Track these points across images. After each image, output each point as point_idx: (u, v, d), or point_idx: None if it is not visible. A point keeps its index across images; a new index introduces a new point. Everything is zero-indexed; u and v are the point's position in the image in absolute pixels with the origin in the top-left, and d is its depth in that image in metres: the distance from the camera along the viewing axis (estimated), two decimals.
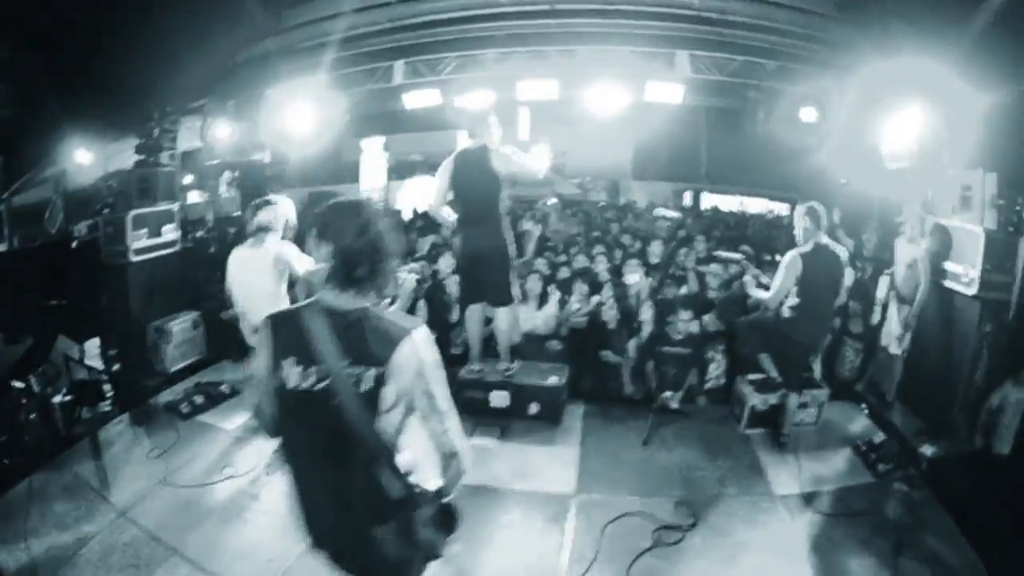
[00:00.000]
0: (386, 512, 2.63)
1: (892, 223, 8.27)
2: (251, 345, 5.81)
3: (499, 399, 7.20)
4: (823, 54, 8.35)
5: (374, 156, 22.33)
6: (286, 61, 8.98)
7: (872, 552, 5.02)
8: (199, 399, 7.44)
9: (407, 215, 17.38)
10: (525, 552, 5.12)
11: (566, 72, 9.30)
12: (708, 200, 21.79)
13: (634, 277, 8.57)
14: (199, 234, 12.03)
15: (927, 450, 6.32)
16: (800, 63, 8.59)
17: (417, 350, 2.61)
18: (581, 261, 9.88)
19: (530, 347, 8.05)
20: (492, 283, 6.78)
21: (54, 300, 8.21)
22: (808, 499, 5.78)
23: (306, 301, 2.68)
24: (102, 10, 7.25)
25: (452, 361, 7.99)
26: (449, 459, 2.77)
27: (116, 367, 8.04)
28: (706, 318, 7.79)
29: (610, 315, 7.85)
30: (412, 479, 2.69)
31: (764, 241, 12.97)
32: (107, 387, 7.46)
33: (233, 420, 7.15)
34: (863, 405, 7.66)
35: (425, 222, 13.57)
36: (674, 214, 14.55)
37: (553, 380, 7.22)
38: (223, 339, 8.09)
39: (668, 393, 7.31)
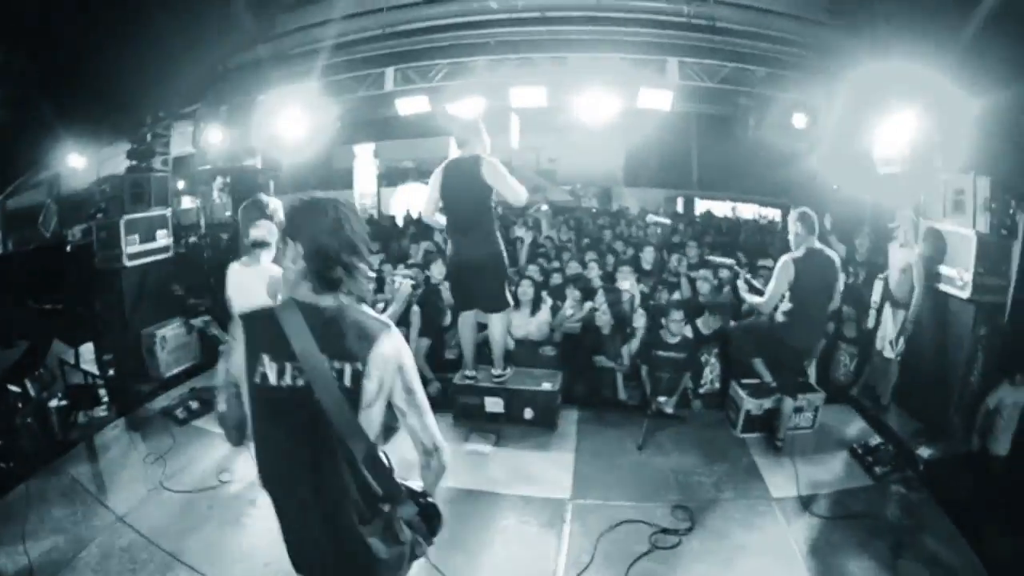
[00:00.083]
0: (370, 512, 2.63)
1: (885, 228, 8.29)
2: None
3: (493, 405, 7.18)
4: (814, 60, 8.39)
5: (366, 162, 22.33)
6: (278, 67, 8.99)
7: (870, 554, 5.02)
8: (194, 404, 7.40)
9: (400, 222, 17.39)
10: (521, 557, 5.10)
11: (557, 79, 9.30)
12: (701, 206, 21.87)
13: (626, 283, 8.58)
14: (192, 239, 12.01)
15: (924, 452, 6.34)
16: (791, 69, 8.62)
17: (396, 345, 2.62)
18: (574, 267, 9.89)
19: (524, 353, 8.04)
20: (484, 290, 6.77)
21: (49, 304, 8.18)
22: (805, 502, 5.77)
23: (280, 300, 2.66)
24: (95, 15, 7.24)
25: (446, 367, 7.99)
26: (430, 454, 2.77)
27: (111, 372, 7.99)
28: (700, 322, 7.79)
29: (604, 320, 7.84)
30: (395, 477, 2.68)
31: (757, 246, 12.99)
32: (102, 392, 7.45)
33: None
34: (858, 408, 7.67)
35: (418, 229, 13.59)
36: (666, 220, 14.55)
37: (547, 386, 7.19)
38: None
39: (662, 398, 7.31)
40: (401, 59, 9.42)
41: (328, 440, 2.50)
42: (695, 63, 8.87)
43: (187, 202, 14.08)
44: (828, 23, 8.03)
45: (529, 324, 8.19)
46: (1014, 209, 6.54)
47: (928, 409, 7.11)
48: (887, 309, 7.64)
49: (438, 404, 7.16)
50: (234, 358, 2.62)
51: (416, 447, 2.77)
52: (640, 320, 7.98)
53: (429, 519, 2.83)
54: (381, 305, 7.38)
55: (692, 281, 9.10)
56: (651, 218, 14.39)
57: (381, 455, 2.61)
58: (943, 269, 7.04)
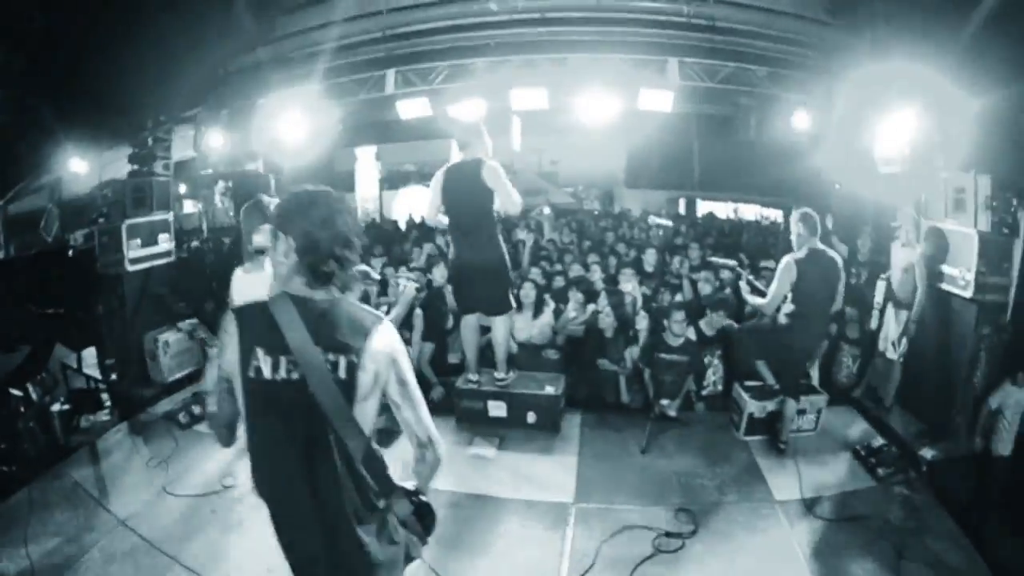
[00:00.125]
0: (366, 509, 2.62)
1: (887, 228, 8.28)
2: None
3: (496, 409, 7.18)
4: (815, 59, 8.38)
5: (368, 165, 22.34)
6: (279, 70, 8.99)
7: (874, 556, 5.00)
8: (197, 409, 7.39)
9: (402, 225, 17.40)
10: (524, 561, 5.09)
11: (557, 80, 9.29)
12: (702, 207, 21.87)
13: (628, 285, 8.57)
14: (194, 244, 12.02)
15: (927, 453, 6.32)
16: (791, 69, 8.61)
17: (390, 337, 2.63)
18: (576, 270, 9.88)
19: (526, 357, 8.02)
20: (487, 293, 6.77)
21: (51, 309, 8.19)
22: (808, 504, 5.75)
23: (273, 294, 2.64)
24: (95, 18, 7.24)
25: (449, 371, 7.99)
26: (425, 447, 2.78)
27: (114, 376, 8.00)
28: (703, 323, 7.77)
29: (607, 323, 7.83)
30: (389, 474, 2.68)
31: (759, 247, 12.98)
32: (105, 396, 7.46)
33: None
34: (861, 410, 7.66)
35: (420, 232, 13.58)
36: (668, 222, 14.54)
37: (550, 389, 7.18)
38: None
39: (666, 401, 7.29)
40: (401, 61, 9.41)
41: (323, 434, 2.50)
42: (695, 63, 8.85)
43: (189, 206, 14.09)
44: (829, 22, 8.01)
45: (532, 327, 8.18)
46: (1015, 207, 6.52)
47: (931, 410, 7.10)
48: (890, 310, 7.63)
49: (441, 408, 7.27)
50: (227, 352, 2.61)
51: (411, 440, 2.78)
52: (643, 322, 7.97)
53: (423, 518, 2.81)
54: (384, 308, 7.38)
55: (694, 283, 9.10)
56: (653, 220, 14.39)
57: (376, 450, 2.62)
58: (945, 268, 7.02)
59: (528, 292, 8.11)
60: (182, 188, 13.19)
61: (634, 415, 7.51)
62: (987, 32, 6.07)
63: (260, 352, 2.51)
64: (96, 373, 7.95)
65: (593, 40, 8.78)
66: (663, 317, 7.65)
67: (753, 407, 6.96)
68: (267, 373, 2.50)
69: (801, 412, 6.91)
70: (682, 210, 22.18)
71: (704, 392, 7.78)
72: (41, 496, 5.78)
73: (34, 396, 6.78)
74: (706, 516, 5.61)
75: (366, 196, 22.51)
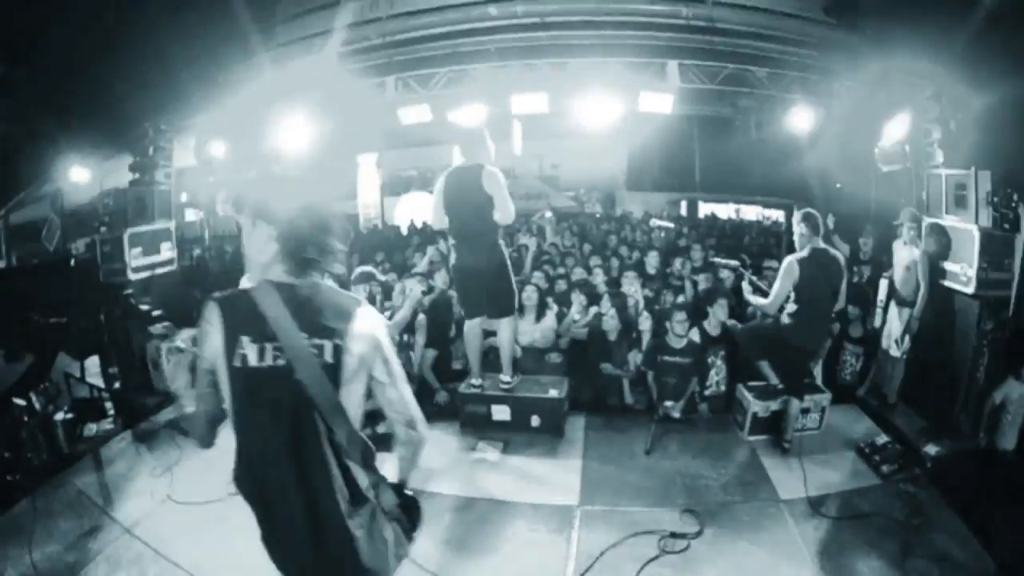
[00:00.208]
0: (354, 499, 2.61)
1: (888, 226, 8.28)
2: None
3: (500, 413, 7.18)
4: (814, 59, 8.39)
5: (369, 172, 22.34)
6: (279, 77, 8.99)
7: (880, 553, 4.99)
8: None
9: (404, 231, 17.41)
10: (530, 563, 5.08)
11: (557, 85, 9.32)
12: (704, 209, 21.88)
13: (631, 288, 8.57)
14: (197, 252, 12.04)
15: (931, 449, 6.30)
16: (791, 69, 8.63)
17: (372, 319, 2.65)
18: (579, 273, 9.88)
19: (529, 360, 8.02)
20: (491, 296, 6.77)
21: (53, 318, 8.19)
22: (813, 503, 5.74)
23: (255, 282, 2.63)
24: (95, 27, 7.26)
25: (453, 377, 7.98)
26: (410, 426, 2.80)
27: (117, 385, 8.00)
28: (706, 324, 7.76)
29: (611, 325, 7.82)
30: (376, 465, 2.69)
31: (761, 248, 12.98)
32: (108, 405, 7.46)
33: None
34: (865, 408, 7.65)
35: (422, 238, 13.59)
36: (669, 224, 14.56)
37: (554, 393, 7.18)
38: None
39: (669, 402, 7.28)
40: (402, 68, 9.45)
41: (311, 420, 2.50)
42: (695, 65, 8.88)
43: (190, 215, 14.11)
44: (828, 21, 8.02)
45: (534, 331, 8.18)
46: (1016, 203, 6.52)
47: (934, 406, 7.10)
48: (892, 308, 7.63)
49: (445, 413, 7.26)
50: (209, 343, 2.59)
51: (395, 420, 2.80)
52: (646, 323, 7.97)
53: (409, 511, 2.85)
54: (389, 312, 7.39)
55: (695, 284, 9.10)
56: (655, 222, 14.41)
57: (363, 436, 2.61)
58: (947, 265, 7.03)
59: (530, 296, 8.10)
60: (183, 196, 13.22)
61: (638, 417, 7.51)
62: (987, 29, 6.08)
63: (245, 340, 2.50)
64: (99, 382, 7.94)
65: (593, 44, 8.81)
66: (666, 318, 7.64)
67: (757, 407, 6.96)
68: (253, 361, 2.50)
69: (805, 411, 6.91)
70: (684, 212, 22.18)
71: (707, 393, 7.76)
72: (45, 504, 5.78)
73: (37, 405, 6.78)
74: (711, 516, 5.60)
75: (368, 202, 22.49)
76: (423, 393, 7.88)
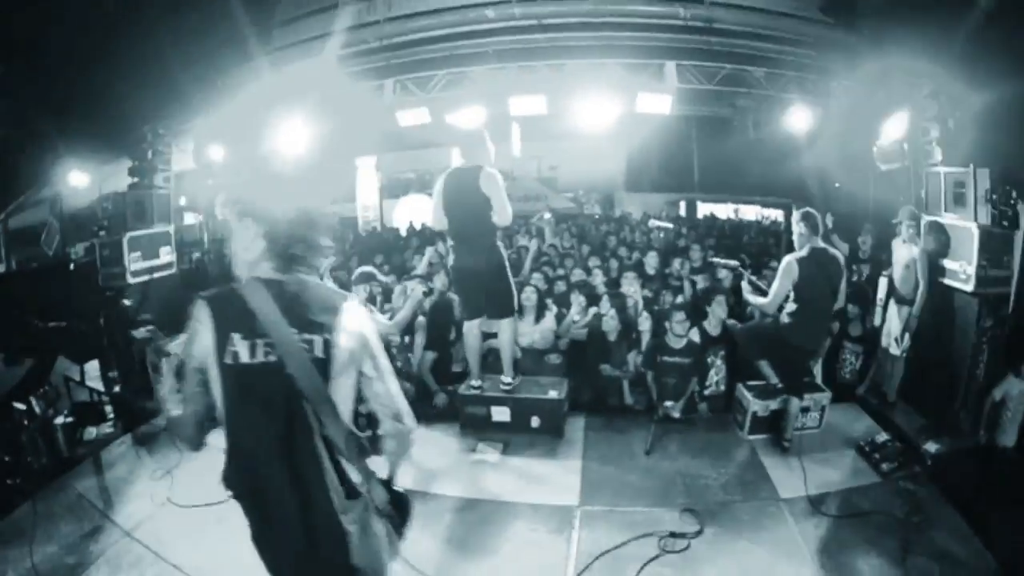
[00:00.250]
0: (347, 494, 2.62)
1: (887, 224, 8.28)
2: None
3: (500, 414, 7.18)
4: (812, 58, 8.40)
5: (368, 174, 22.36)
6: (277, 81, 9.00)
7: (880, 551, 4.99)
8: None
9: (403, 233, 17.40)
10: (530, 564, 5.08)
11: (556, 86, 9.34)
12: (703, 209, 21.90)
13: (630, 288, 8.57)
14: (196, 256, 12.04)
15: (931, 447, 6.31)
16: (789, 68, 8.64)
17: (359, 313, 2.70)
18: (578, 274, 9.89)
19: (529, 361, 8.02)
20: (489, 296, 6.79)
21: (53, 322, 8.19)
22: (814, 502, 5.74)
23: (243, 279, 2.66)
24: (93, 31, 7.27)
25: (452, 379, 7.98)
26: (398, 418, 2.81)
27: (117, 388, 8.01)
28: (706, 323, 7.76)
29: (611, 325, 7.82)
30: (367, 462, 2.70)
31: (761, 248, 12.99)
32: (108, 408, 7.46)
33: None
34: (864, 406, 7.65)
35: (420, 241, 13.59)
36: (668, 224, 14.55)
37: (553, 394, 7.19)
38: None
39: (669, 403, 7.29)
40: (400, 71, 9.46)
41: (303, 416, 2.52)
42: (693, 66, 8.89)
43: (189, 218, 14.10)
44: (825, 20, 8.03)
45: (534, 332, 8.18)
46: (1015, 200, 6.53)
47: (934, 404, 7.10)
48: (892, 306, 7.63)
49: (445, 415, 7.27)
50: (199, 341, 2.60)
51: (383, 414, 2.81)
52: (645, 323, 7.98)
53: (400, 508, 2.85)
54: (389, 314, 7.40)
55: (693, 284, 9.11)
56: (654, 223, 14.40)
57: (354, 431, 2.63)
58: (946, 263, 7.04)
59: (529, 297, 8.11)
60: (182, 200, 13.21)
61: (638, 417, 7.52)
62: (985, 27, 6.09)
63: (236, 337, 2.52)
64: (99, 385, 7.94)
65: (590, 45, 8.82)
66: (666, 319, 7.65)
67: (756, 406, 6.96)
68: (245, 357, 2.52)
69: (805, 410, 6.91)
70: (683, 212, 22.19)
71: (707, 392, 7.76)
72: (46, 508, 5.76)
73: (37, 409, 6.78)
74: (712, 516, 5.60)
75: (366, 205, 22.51)
76: (423, 395, 7.90)
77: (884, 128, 7.81)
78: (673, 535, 5.30)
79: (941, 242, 7.08)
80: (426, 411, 7.74)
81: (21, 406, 6.67)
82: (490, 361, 7.62)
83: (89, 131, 8.80)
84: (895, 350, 7.52)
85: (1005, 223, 6.58)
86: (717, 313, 7.71)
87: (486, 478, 6.36)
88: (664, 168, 23.07)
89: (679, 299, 8.78)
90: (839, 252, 6.68)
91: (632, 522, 5.52)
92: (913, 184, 7.73)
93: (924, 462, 6.22)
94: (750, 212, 21.02)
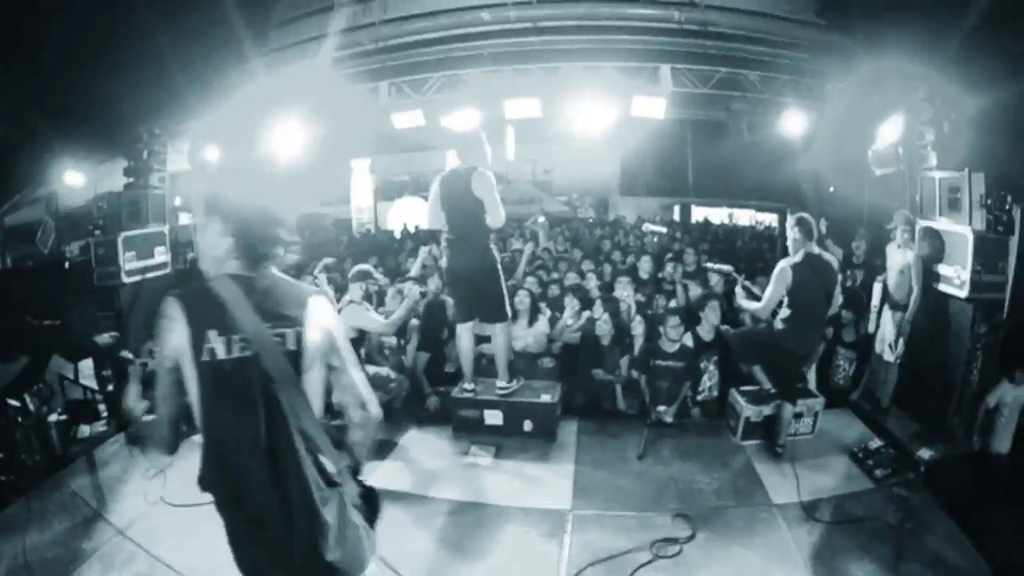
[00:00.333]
0: (326, 484, 2.64)
1: (882, 229, 8.29)
2: None
3: (493, 417, 7.16)
4: (806, 62, 8.41)
5: (362, 176, 22.37)
6: (272, 82, 8.99)
7: (873, 557, 4.99)
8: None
9: (397, 235, 17.40)
10: (522, 568, 5.06)
11: (550, 89, 9.33)
12: (697, 213, 21.96)
13: (623, 292, 8.57)
14: (191, 256, 12.03)
15: (925, 453, 6.30)
16: (784, 72, 8.65)
17: (326, 307, 2.75)
18: (572, 278, 9.88)
19: (522, 365, 8.00)
20: (483, 300, 6.78)
21: (47, 320, 8.18)
22: (807, 507, 5.72)
23: (212, 277, 2.67)
24: (90, 32, 7.26)
25: (446, 380, 7.97)
26: (364, 407, 2.87)
27: (111, 387, 7.98)
28: (700, 328, 7.76)
29: (604, 330, 7.82)
30: (339, 451, 2.75)
31: (755, 252, 13.00)
32: (102, 407, 7.44)
33: None
34: (858, 412, 7.65)
35: (415, 243, 13.58)
36: (662, 229, 14.55)
37: (546, 397, 7.17)
38: None
39: (662, 407, 7.28)
40: (395, 73, 9.45)
41: (279, 409, 2.54)
42: (688, 69, 8.89)
43: (184, 219, 14.09)
44: (820, 24, 8.04)
45: (527, 336, 8.16)
46: (1010, 205, 6.54)
47: (928, 410, 7.10)
48: (886, 312, 7.63)
49: (438, 418, 7.26)
50: (171, 340, 2.59)
51: (350, 404, 2.85)
52: (639, 327, 7.98)
53: (370, 502, 2.91)
54: (383, 316, 7.39)
55: (686, 288, 9.10)
56: (647, 227, 14.41)
57: (326, 423, 2.70)
58: (941, 268, 7.04)
59: (523, 300, 8.10)
60: (177, 200, 13.20)
61: (630, 421, 7.50)
62: (980, 31, 6.11)
63: (212, 334, 2.53)
64: (93, 384, 7.92)
65: (585, 48, 8.83)
66: (659, 323, 7.64)
67: (749, 411, 6.95)
68: (221, 353, 2.53)
69: (798, 416, 6.90)
70: (677, 216, 22.24)
71: (700, 398, 7.74)
72: (39, 505, 5.76)
73: (31, 407, 6.77)
74: (704, 521, 5.57)
75: (361, 207, 22.53)
76: (415, 397, 7.89)
77: (879, 132, 7.82)
78: (666, 540, 5.28)
79: (936, 247, 7.09)
80: (419, 414, 7.73)
81: (15, 403, 6.66)
82: (483, 364, 7.61)
83: (85, 131, 8.80)
84: (889, 356, 7.52)
85: (1000, 228, 6.59)
86: (710, 319, 7.70)
87: (479, 481, 6.33)
88: (659, 172, 23.14)
89: (672, 303, 8.78)
90: (833, 257, 6.68)
91: (625, 526, 5.50)
92: (908, 188, 7.74)
93: (918, 468, 6.22)
94: (744, 216, 21.09)
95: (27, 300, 8.80)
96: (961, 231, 6.73)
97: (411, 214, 20.45)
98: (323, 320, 2.70)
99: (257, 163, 9.27)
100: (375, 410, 2.89)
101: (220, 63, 8.89)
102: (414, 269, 9.54)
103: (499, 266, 6.74)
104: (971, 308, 6.69)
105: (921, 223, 7.37)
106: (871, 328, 7.98)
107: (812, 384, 7.54)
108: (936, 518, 5.50)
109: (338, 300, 7.27)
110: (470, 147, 6.58)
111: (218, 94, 9.12)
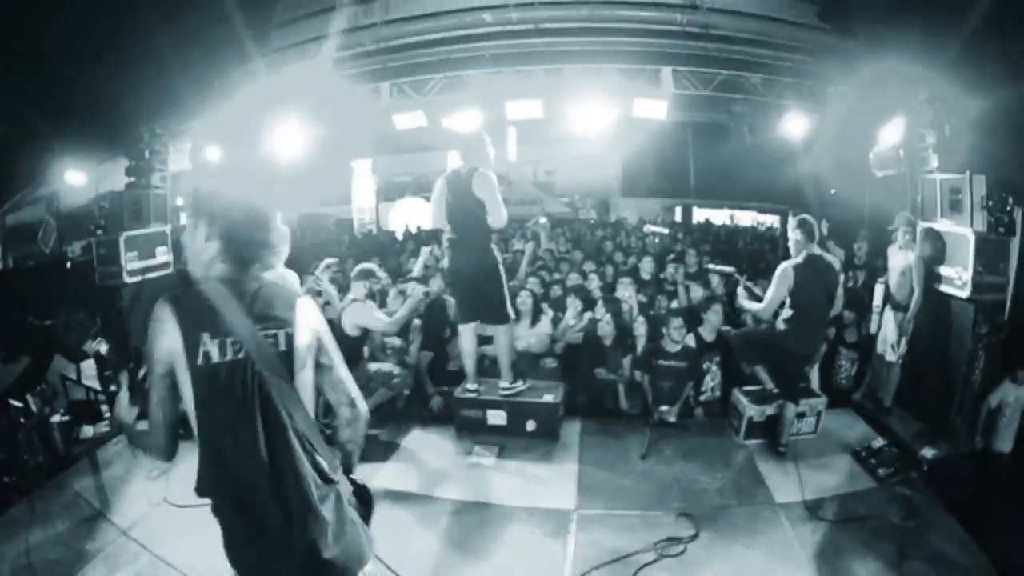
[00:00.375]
0: (324, 483, 2.65)
1: (883, 231, 8.30)
2: None
3: (496, 417, 7.17)
4: (808, 64, 8.42)
5: (364, 177, 22.38)
6: (273, 83, 9.00)
7: (876, 556, 4.99)
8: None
9: (399, 236, 17.39)
10: (527, 568, 5.06)
11: (552, 91, 9.34)
12: (699, 214, 21.98)
13: (625, 293, 8.58)
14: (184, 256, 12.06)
15: (927, 453, 6.30)
16: (785, 74, 8.66)
17: (312, 307, 2.76)
18: (574, 279, 9.89)
19: (524, 365, 8.00)
20: (484, 302, 6.79)
21: (49, 320, 8.19)
22: (810, 507, 5.73)
23: (201, 280, 2.66)
24: (91, 32, 7.26)
25: (449, 379, 7.97)
26: (353, 404, 2.90)
27: (113, 387, 7.98)
28: (702, 329, 7.76)
29: (606, 331, 7.83)
30: (331, 449, 2.77)
31: (756, 254, 13.00)
32: (104, 407, 7.44)
33: None
34: (860, 412, 7.66)
35: (416, 244, 13.57)
36: (663, 230, 14.57)
37: (549, 398, 7.17)
38: None
39: (665, 407, 7.29)
40: (396, 74, 9.46)
41: (275, 410, 2.54)
42: (689, 71, 8.90)
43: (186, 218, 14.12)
44: (821, 27, 8.05)
45: (529, 336, 8.16)
46: (1011, 206, 6.55)
47: (930, 410, 7.10)
48: (888, 312, 7.64)
49: (441, 418, 7.26)
50: (163, 344, 2.56)
51: (340, 401, 2.89)
52: (641, 328, 7.98)
53: (363, 499, 2.91)
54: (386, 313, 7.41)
55: (688, 289, 9.11)
56: (649, 228, 14.42)
57: (318, 423, 2.70)
58: (942, 270, 7.04)
59: (524, 301, 8.10)
60: (179, 200, 13.21)
61: (633, 421, 7.51)
62: (981, 33, 6.12)
63: (206, 337, 2.52)
64: (95, 384, 7.92)
65: (587, 50, 8.84)
66: (661, 324, 7.65)
67: (752, 411, 6.95)
68: (215, 357, 2.52)
69: (800, 415, 6.90)
70: (678, 218, 22.24)
71: (702, 398, 7.75)
72: (42, 506, 5.77)
73: (34, 407, 6.77)
74: (707, 520, 5.58)
75: (363, 207, 22.55)
76: (418, 397, 7.89)
77: (880, 134, 7.83)
78: (670, 540, 5.28)
79: (937, 249, 7.09)
80: (422, 414, 7.74)
81: (18, 404, 6.66)
82: (486, 365, 7.61)
83: (86, 130, 8.81)
84: (891, 356, 7.53)
85: (1001, 229, 6.59)
86: (712, 321, 7.71)
87: (482, 482, 6.33)
88: (660, 173, 23.16)
89: (674, 304, 8.79)
90: (835, 259, 6.69)
91: (628, 526, 5.51)
92: (909, 190, 7.75)
93: (920, 467, 6.23)
94: (746, 218, 21.11)
95: (29, 300, 8.80)
96: (962, 232, 6.74)
97: (413, 215, 20.48)
98: (311, 320, 2.72)
99: (252, 163, 9.28)
100: (363, 407, 2.93)
101: (221, 63, 8.90)
102: (416, 269, 9.54)
103: (500, 267, 6.74)
104: (973, 309, 6.69)
105: (922, 225, 7.38)
106: (873, 329, 7.99)
107: (815, 384, 7.55)
108: (939, 517, 5.51)
109: (340, 300, 7.28)
110: (473, 148, 6.59)
111: (219, 94, 9.13)
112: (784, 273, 6.30)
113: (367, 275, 7.26)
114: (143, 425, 2.76)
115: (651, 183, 23.42)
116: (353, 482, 2.87)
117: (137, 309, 8.63)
